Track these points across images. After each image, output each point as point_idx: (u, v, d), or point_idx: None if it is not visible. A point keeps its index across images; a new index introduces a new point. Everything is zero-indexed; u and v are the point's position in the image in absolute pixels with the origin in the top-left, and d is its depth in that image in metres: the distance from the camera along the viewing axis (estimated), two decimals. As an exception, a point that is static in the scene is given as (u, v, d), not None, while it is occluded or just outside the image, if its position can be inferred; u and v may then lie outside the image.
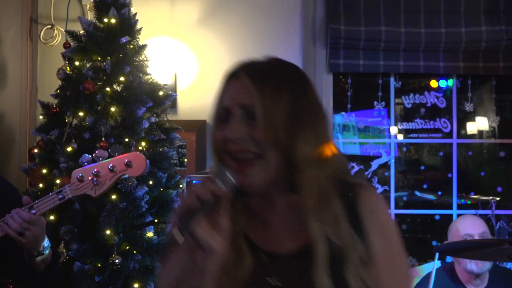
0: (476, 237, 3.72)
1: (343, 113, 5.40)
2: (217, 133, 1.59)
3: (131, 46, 4.10)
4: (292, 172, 1.55)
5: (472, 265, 3.64)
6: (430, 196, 5.53)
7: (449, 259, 4.74)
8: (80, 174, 2.62)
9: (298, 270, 1.54)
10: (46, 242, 2.67)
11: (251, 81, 1.56)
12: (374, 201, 1.62)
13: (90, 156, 2.71)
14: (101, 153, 2.68)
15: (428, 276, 3.82)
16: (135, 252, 3.82)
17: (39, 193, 3.82)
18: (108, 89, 3.96)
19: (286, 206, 1.61)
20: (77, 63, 4.08)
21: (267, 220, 1.62)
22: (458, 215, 5.22)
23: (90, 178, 2.62)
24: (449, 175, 5.38)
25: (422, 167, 5.67)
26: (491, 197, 4.82)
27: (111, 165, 2.62)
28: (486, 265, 3.65)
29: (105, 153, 2.67)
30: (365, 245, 1.54)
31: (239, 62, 1.64)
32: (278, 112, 1.53)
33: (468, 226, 3.76)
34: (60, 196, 2.62)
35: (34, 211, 2.58)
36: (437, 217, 5.44)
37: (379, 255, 1.56)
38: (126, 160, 2.63)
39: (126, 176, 2.69)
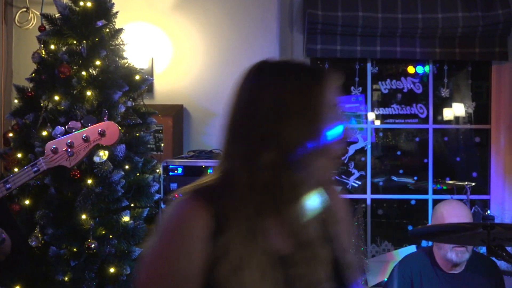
0: None
1: (320, 98, 5.40)
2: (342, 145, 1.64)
3: (107, 30, 4.07)
4: None
5: (452, 254, 3.63)
6: (409, 180, 5.57)
7: (424, 243, 4.78)
8: (54, 146, 2.60)
9: (295, 267, 1.61)
10: (1, 236, 2.62)
11: None
12: (341, 201, 1.80)
13: (63, 128, 2.68)
14: (74, 124, 2.65)
15: (404, 259, 3.83)
16: (111, 236, 3.81)
17: (14, 177, 3.79)
18: (84, 73, 3.94)
19: None
20: (52, 46, 4.05)
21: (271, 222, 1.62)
22: (434, 200, 5.27)
23: (64, 149, 2.60)
24: (425, 161, 5.41)
25: (399, 153, 5.70)
26: (466, 183, 4.86)
27: (84, 135, 2.60)
28: (465, 255, 3.65)
29: (78, 124, 2.64)
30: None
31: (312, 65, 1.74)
32: None
33: (454, 213, 3.71)
34: (35, 168, 2.60)
35: (9, 185, 2.56)
36: (413, 202, 5.47)
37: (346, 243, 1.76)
38: (99, 129, 2.61)
39: (100, 144, 2.67)
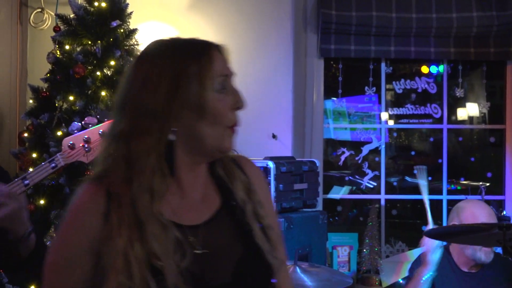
0: None
1: (334, 98, 5.40)
2: (225, 102, 1.63)
3: (122, 30, 4.09)
4: None
5: (482, 254, 3.62)
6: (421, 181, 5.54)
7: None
8: (71, 142, 2.60)
9: (215, 234, 1.63)
10: (28, 229, 2.64)
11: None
12: (253, 166, 1.81)
13: (79, 123, 2.69)
14: (90, 119, 2.65)
15: (417, 258, 3.82)
16: (125, 236, 3.81)
17: (29, 177, 3.81)
18: (98, 73, 3.95)
19: (202, 174, 1.71)
20: (67, 47, 4.07)
21: (185, 195, 1.66)
22: (448, 200, 5.24)
23: (81, 144, 2.61)
24: (439, 161, 5.39)
25: (413, 153, 5.68)
26: (480, 183, 4.84)
27: (101, 130, 2.61)
28: (492, 255, 3.65)
29: (94, 120, 2.64)
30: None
31: (195, 38, 1.80)
32: None
33: (485, 214, 3.69)
34: (53, 164, 2.61)
35: (27, 181, 2.56)
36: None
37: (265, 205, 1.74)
38: None
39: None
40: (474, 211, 3.72)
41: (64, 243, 1.63)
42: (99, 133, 2.61)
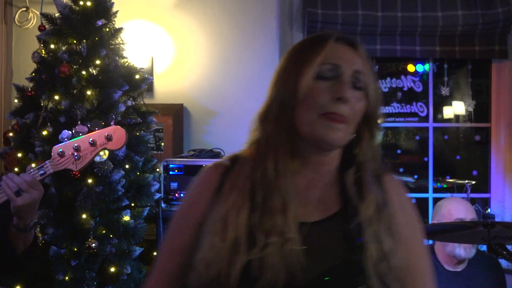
0: None
1: (320, 97, 5.40)
2: (323, 89, 1.60)
3: (107, 29, 4.07)
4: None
5: (461, 250, 3.64)
6: (409, 179, 5.56)
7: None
8: (60, 150, 2.62)
9: (319, 235, 1.59)
10: (35, 219, 2.68)
11: (365, 55, 1.69)
12: (399, 187, 1.74)
13: (70, 132, 2.70)
14: (81, 128, 2.68)
15: None
16: (111, 236, 3.81)
17: (14, 177, 3.79)
18: (84, 72, 3.93)
19: (326, 178, 1.68)
20: (52, 46, 4.05)
21: (301, 192, 1.64)
22: (434, 198, 5.26)
23: (70, 153, 2.62)
24: (425, 159, 5.41)
25: (399, 151, 5.70)
26: (466, 181, 4.86)
27: (91, 139, 2.62)
28: (473, 251, 3.67)
29: (85, 128, 2.67)
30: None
31: (339, 31, 1.73)
32: (379, 94, 1.68)
33: (461, 209, 3.74)
34: (42, 171, 2.62)
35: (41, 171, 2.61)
36: (413, 201, 5.45)
37: (403, 239, 1.62)
38: (106, 134, 2.63)
39: (107, 149, 2.69)
40: (450, 208, 3.76)
41: (178, 213, 1.75)
42: (89, 142, 2.62)
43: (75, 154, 2.62)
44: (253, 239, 1.53)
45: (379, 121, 1.68)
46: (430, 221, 3.93)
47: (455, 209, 3.75)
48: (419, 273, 1.68)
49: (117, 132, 2.66)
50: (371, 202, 1.62)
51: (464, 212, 3.72)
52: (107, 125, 2.70)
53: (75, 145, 2.62)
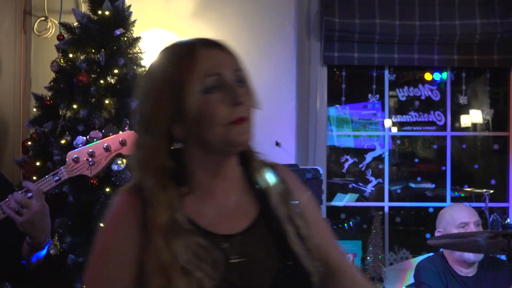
0: (472, 225, 3.76)
1: (337, 106, 5.40)
2: (215, 101, 1.57)
3: (125, 39, 4.10)
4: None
5: (470, 254, 3.68)
6: (426, 187, 5.55)
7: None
8: (75, 155, 2.61)
9: (252, 244, 1.60)
10: (48, 238, 2.65)
11: (232, 51, 1.70)
12: (290, 174, 1.78)
13: (84, 138, 2.70)
14: (95, 134, 2.67)
15: (420, 265, 3.86)
16: (129, 244, 3.81)
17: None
18: (102, 81, 3.96)
19: (236, 180, 1.67)
20: (71, 55, 4.08)
21: (219, 204, 1.63)
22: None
23: (85, 158, 2.61)
24: (443, 168, 5.39)
25: (416, 160, 5.67)
26: (484, 190, 4.84)
27: (105, 144, 2.61)
28: (481, 254, 3.70)
29: (99, 134, 2.66)
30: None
31: (197, 38, 1.70)
32: (250, 81, 1.70)
33: (464, 214, 3.81)
34: (56, 178, 2.61)
35: (30, 194, 2.56)
36: (431, 210, 5.44)
37: (310, 220, 1.69)
38: (120, 139, 2.62)
39: (121, 154, 2.68)
40: (453, 214, 3.83)
41: (104, 251, 1.61)
42: (104, 147, 2.62)
43: (90, 159, 2.61)
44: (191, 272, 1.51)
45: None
46: (436, 230, 3.95)
47: (457, 214, 3.82)
48: (331, 246, 1.74)
49: (132, 137, 2.64)
50: (272, 192, 1.66)
51: (468, 216, 3.80)
52: (122, 130, 2.69)
53: (90, 150, 2.62)
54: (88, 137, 2.66)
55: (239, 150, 1.63)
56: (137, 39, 4.15)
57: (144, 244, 1.54)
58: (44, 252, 2.65)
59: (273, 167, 1.73)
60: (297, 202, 1.68)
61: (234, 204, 1.64)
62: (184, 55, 1.61)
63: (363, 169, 5.41)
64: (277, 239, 1.61)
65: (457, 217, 3.81)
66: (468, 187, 5.21)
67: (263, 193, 1.66)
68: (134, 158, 1.65)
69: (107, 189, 3.78)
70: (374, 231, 4.85)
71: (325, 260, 1.67)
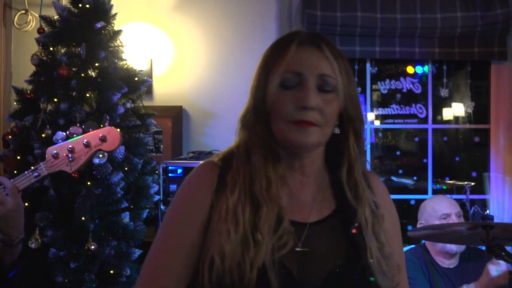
0: (454, 216, 3.79)
1: (319, 99, 5.40)
2: (287, 98, 1.61)
3: (106, 32, 4.07)
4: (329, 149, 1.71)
5: (452, 245, 3.71)
6: (408, 181, 5.57)
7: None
8: (54, 151, 2.59)
9: (319, 237, 1.62)
10: (22, 235, 2.62)
11: (333, 54, 1.65)
12: (384, 188, 1.79)
13: (64, 133, 2.67)
14: (75, 129, 2.64)
15: (407, 254, 3.89)
16: (110, 238, 3.81)
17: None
18: (83, 74, 3.94)
19: (313, 178, 1.70)
20: (51, 48, 4.05)
21: (293, 195, 1.67)
22: (433, 200, 5.26)
23: (65, 154, 2.59)
24: (425, 161, 5.41)
25: (398, 153, 5.70)
26: (465, 182, 4.86)
27: (85, 140, 2.59)
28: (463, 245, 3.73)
29: (79, 130, 2.63)
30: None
31: (305, 32, 1.71)
32: (353, 91, 1.67)
33: (445, 205, 3.83)
34: (36, 174, 2.59)
35: (7, 190, 2.54)
36: (412, 202, 5.47)
37: (389, 232, 1.69)
38: (100, 135, 2.61)
39: (101, 150, 2.66)
40: (435, 206, 3.86)
41: (177, 209, 1.69)
42: (84, 143, 2.60)
43: (69, 155, 2.59)
44: (258, 239, 1.54)
45: (360, 117, 1.69)
46: (418, 223, 3.97)
47: (439, 206, 3.85)
48: (402, 269, 1.72)
49: (112, 133, 2.63)
50: (366, 202, 1.65)
51: (449, 207, 3.83)
52: (102, 125, 2.67)
53: (69, 146, 2.60)
54: (68, 132, 2.64)
55: (302, 151, 1.66)
56: (118, 32, 4.13)
57: (218, 198, 1.62)
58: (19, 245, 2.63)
59: (366, 175, 1.73)
60: (382, 216, 1.68)
61: (308, 198, 1.68)
62: (280, 47, 1.67)
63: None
64: (346, 241, 1.62)
65: (438, 209, 3.83)
66: (450, 180, 5.24)
67: (344, 195, 1.67)
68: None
69: (88, 183, 3.77)
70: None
71: (396, 282, 1.65)
